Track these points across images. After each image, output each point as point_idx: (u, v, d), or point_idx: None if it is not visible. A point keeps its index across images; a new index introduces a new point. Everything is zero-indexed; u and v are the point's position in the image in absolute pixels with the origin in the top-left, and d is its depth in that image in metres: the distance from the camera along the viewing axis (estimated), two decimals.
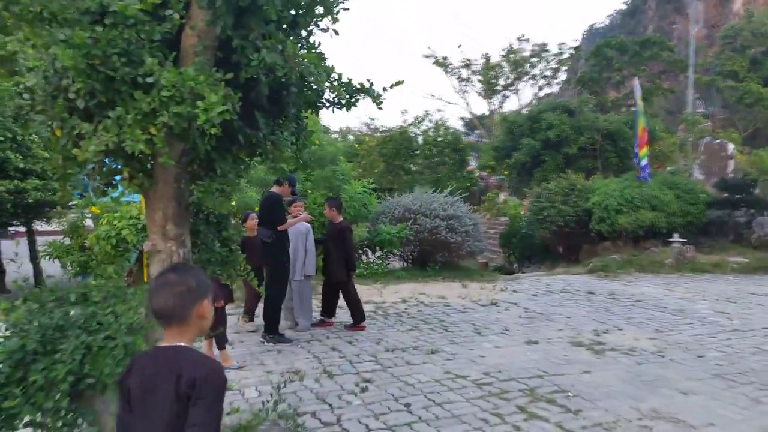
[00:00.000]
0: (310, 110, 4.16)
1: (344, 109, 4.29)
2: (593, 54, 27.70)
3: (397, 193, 13.05)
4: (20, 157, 11.40)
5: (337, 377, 5.53)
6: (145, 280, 9.95)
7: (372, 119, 39.29)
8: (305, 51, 3.62)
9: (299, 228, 6.98)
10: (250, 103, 3.55)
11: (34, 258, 13.54)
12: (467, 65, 34.82)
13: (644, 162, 14.29)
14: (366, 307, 8.76)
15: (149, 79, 2.93)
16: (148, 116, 3.01)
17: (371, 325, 7.61)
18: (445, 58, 35.17)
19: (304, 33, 3.68)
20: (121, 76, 2.94)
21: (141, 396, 1.86)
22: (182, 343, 1.89)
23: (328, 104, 4.18)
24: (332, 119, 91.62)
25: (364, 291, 9.98)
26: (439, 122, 28.38)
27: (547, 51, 32.30)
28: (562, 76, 34.08)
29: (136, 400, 1.88)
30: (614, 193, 13.89)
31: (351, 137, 37.16)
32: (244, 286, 7.40)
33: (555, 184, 15.17)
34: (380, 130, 34.97)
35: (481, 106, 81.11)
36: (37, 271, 14.59)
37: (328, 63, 3.93)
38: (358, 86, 4.20)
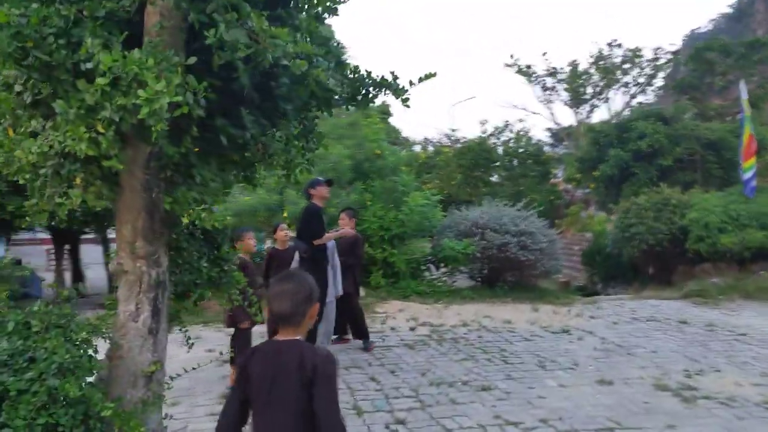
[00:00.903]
0: (319, 108, 3.54)
1: (361, 106, 3.64)
2: (692, 58, 25.47)
3: (465, 206, 12.19)
4: None
5: (366, 415, 4.83)
6: None
7: (453, 130, 38.46)
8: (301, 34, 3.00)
9: (327, 245, 6.35)
10: (237, 97, 2.98)
11: (107, 264, 13.88)
12: (552, 73, 33.27)
13: (749, 174, 12.62)
14: (421, 330, 8.03)
15: (89, 65, 2.41)
16: (95, 110, 2.49)
17: (420, 352, 6.85)
18: (528, 67, 33.81)
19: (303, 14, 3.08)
20: (57, 61, 2.43)
21: (267, 384, 2.08)
22: (298, 337, 2.16)
23: (341, 101, 3.55)
24: (413, 130, 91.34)
25: (423, 311, 9.25)
26: (521, 132, 27.17)
27: (640, 56, 30.21)
28: (659, 83, 31.73)
29: (262, 387, 2.09)
30: (715, 208, 12.33)
31: (431, 148, 36.55)
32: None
33: (645, 199, 13.74)
34: (460, 141, 34.17)
35: (567, 117, 78.00)
36: (111, 277, 14.97)
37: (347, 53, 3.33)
38: (377, 79, 3.55)
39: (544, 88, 34.45)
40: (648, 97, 32.15)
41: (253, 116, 3.04)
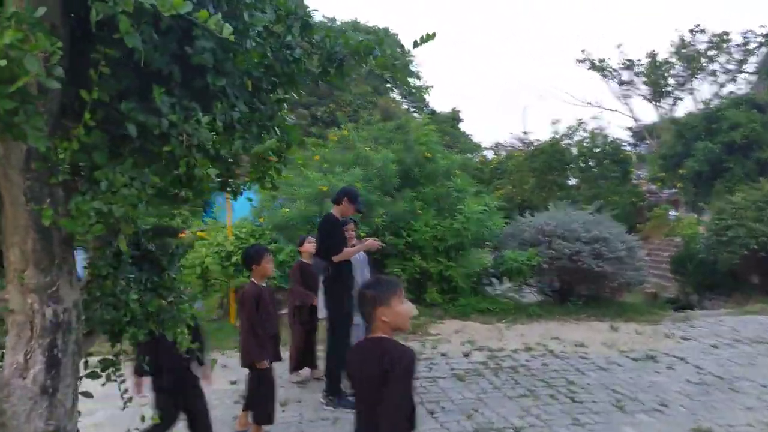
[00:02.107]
0: (281, 87, 2.65)
1: (336, 81, 2.74)
2: None
3: (530, 212, 10.97)
4: None
5: None
6: (232, 320, 9.07)
7: (525, 133, 36.72)
8: None
9: (358, 257, 5.43)
10: (148, 72, 2.19)
11: None
12: (629, 66, 31.16)
13: None
14: (476, 357, 6.97)
15: None
16: None
17: (471, 386, 5.80)
18: (602, 61, 31.84)
19: None
20: None
21: (359, 378, 2.37)
22: (383, 335, 2.32)
23: (307, 76, 2.66)
24: (484, 135, 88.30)
25: (482, 332, 8.17)
26: (596, 131, 25.36)
27: (727, 41, 27.63)
28: (750, 69, 28.88)
29: (356, 381, 2.40)
30: None
31: (503, 153, 35.08)
32: (292, 333, 6.01)
33: (743, 197, 12.01)
34: (534, 143, 32.54)
35: (647, 112, 73.45)
36: None
37: None
38: (355, 45, 2.66)
39: (621, 83, 32.36)
40: (739, 86, 29.41)
41: (173, 97, 2.21)
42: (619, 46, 41.47)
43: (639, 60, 30.58)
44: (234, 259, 7.80)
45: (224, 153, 2.33)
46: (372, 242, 5.42)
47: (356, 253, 5.33)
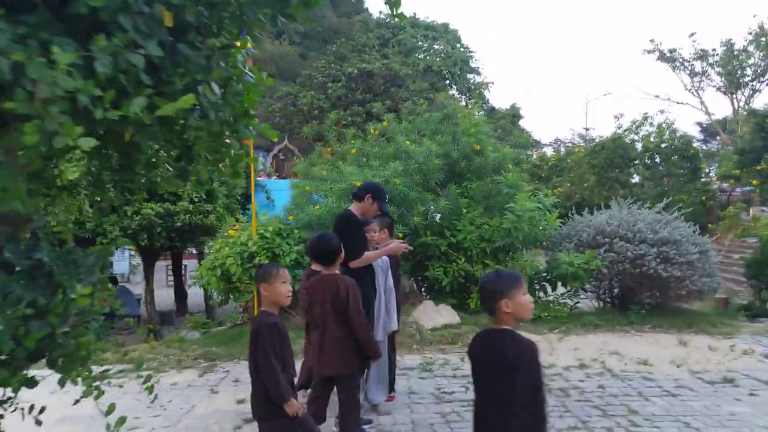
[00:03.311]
0: (221, 24, 1.95)
1: (298, 14, 2.05)
2: None
3: (587, 210, 9.97)
4: None
5: None
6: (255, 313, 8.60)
7: (587, 129, 35.16)
8: None
9: (379, 262, 4.70)
10: None
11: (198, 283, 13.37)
12: (702, 56, 29.17)
13: None
14: None
15: None
16: None
17: None
18: (672, 51, 29.96)
19: None
20: None
21: (482, 364, 2.53)
22: (506, 327, 2.46)
23: (260, 7, 1.97)
24: (545, 133, 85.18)
25: None
26: (663, 125, 23.77)
27: None
28: None
29: (478, 367, 2.55)
30: None
31: (562, 149, 33.66)
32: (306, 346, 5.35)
33: None
34: (596, 140, 31.01)
35: (721, 107, 69.30)
36: (207, 296, 14.50)
37: None
38: None
39: (693, 74, 30.36)
40: None
41: (22, 26, 1.55)
42: (691, 35, 38.74)
43: (714, 50, 28.60)
44: (257, 260, 7.22)
45: (111, 116, 1.62)
46: (397, 245, 4.70)
47: (378, 258, 4.61)
